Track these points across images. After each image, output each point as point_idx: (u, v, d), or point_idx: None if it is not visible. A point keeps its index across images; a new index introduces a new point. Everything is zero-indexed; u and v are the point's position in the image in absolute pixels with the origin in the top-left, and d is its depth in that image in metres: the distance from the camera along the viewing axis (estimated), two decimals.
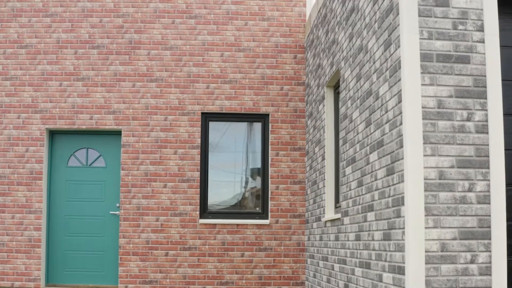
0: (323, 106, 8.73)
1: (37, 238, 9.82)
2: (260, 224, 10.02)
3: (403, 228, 5.17)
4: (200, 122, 10.16)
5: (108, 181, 10.20)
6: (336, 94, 8.53)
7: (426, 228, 5.01)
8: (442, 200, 5.05)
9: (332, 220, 7.94)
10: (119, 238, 9.93)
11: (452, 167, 5.09)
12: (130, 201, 9.97)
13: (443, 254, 5.01)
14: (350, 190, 7.01)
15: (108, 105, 10.13)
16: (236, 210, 10.16)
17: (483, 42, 5.22)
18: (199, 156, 10.09)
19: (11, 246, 9.81)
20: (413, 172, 5.03)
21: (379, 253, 5.87)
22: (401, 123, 5.28)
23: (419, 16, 5.20)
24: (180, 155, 10.08)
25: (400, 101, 5.31)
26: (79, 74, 10.17)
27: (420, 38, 5.18)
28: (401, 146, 5.26)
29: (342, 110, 7.48)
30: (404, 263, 5.15)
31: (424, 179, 5.05)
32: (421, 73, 5.15)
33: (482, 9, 5.25)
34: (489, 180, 5.10)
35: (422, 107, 5.12)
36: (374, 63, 6.12)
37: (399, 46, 5.37)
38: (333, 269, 7.88)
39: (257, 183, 10.27)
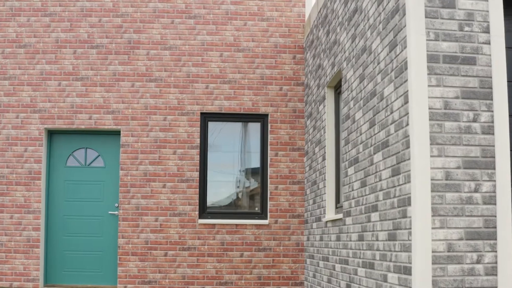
0: (324, 106, 8.75)
1: (36, 238, 9.79)
2: (259, 224, 10.03)
3: (410, 228, 5.19)
4: (199, 122, 10.15)
5: (106, 181, 10.18)
6: (337, 94, 8.55)
7: (433, 228, 5.03)
8: (448, 201, 5.08)
9: (333, 221, 7.96)
10: (118, 238, 9.91)
11: (458, 167, 5.12)
12: (129, 201, 9.96)
13: (450, 255, 5.03)
14: (352, 190, 7.03)
15: (107, 105, 10.12)
16: (235, 210, 10.17)
17: (489, 43, 5.25)
18: (198, 156, 10.08)
19: (10, 246, 9.78)
20: (420, 173, 5.05)
21: (383, 253, 5.89)
22: (407, 124, 5.30)
23: (426, 17, 5.23)
24: (179, 155, 10.07)
25: (406, 102, 5.33)
26: (78, 74, 10.15)
27: (426, 40, 5.20)
28: (407, 147, 5.28)
29: (344, 110, 7.50)
30: (410, 263, 5.17)
31: (431, 179, 5.08)
32: (428, 74, 5.17)
33: (487, 11, 5.28)
34: (495, 181, 5.13)
35: (429, 108, 5.14)
36: (378, 64, 6.14)
37: (405, 47, 5.39)
38: (334, 269, 7.90)
39: (256, 183, 10.27)
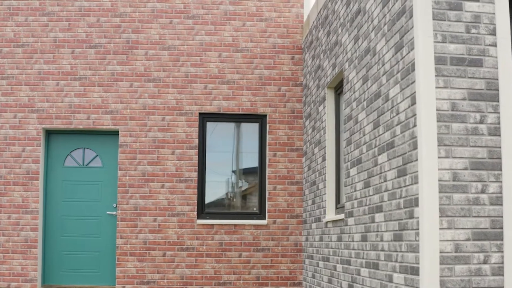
0: (324, 107, 8.78)
1: (34, 238, 9.75)
2: (258, 225, 10.04)
3: (417, 229, 5.23)
4: (197, 123, 10.15)
5: (104, 181, 10.15)
6: (337, 95, 8.58)
7: (440, 229, 5.07)
8: (456, 202, 5.11)
9: (334, 221, 7.99)
10: (116, 239, 9.89)
11: (465, 169, 5.16)
12: (127, 201, 9.94)
13: (457, 255, 5.07)
14: (355, 191, 7.06)
15: (105, 105, 10.09)
16: (233, 211, 10.18)
17: (495, 45, 5.30)
18: (197, 156, 10.08)
19: (7, 247, 9.73)
20: (428, 174, 5.08)
21: (389, 253, 5.92)
22: (414, 125, 5.34)
23: (433, 19, 5.26)
24: (177, 155, 10.07)
25: (413, 103, 5.36)
26: (76, 73, 10.12)
27: (434, 41, 5.24)
28: (414, 148, 5.31)
29: (346, 111, 7.52)
30: (417, 263, 5.21)
31: (439, 180, 5.11)
32: (436, 76, 5.21)
33: (494, 13, 5.32)
34: (501, 181, 5.17)
35: (437, 110, 5.18)
36: (383, 65, 6.17)
37: (412, 49, 5.42)
38: (335, 270, 7.92)
39: (254, 183, 10.29)
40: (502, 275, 5.09)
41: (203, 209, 10.12)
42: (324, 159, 8.71)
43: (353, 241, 7.15)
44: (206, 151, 10.23)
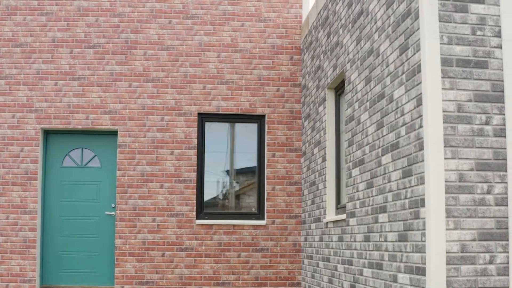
0: (324, 107, 8.81)
1: (32, 238, 9.73)
2: (257, 225, 10.06)
3: (423, 229, 5.26)
4: (196, 123, 10.16)
5: (103, 182, 10.14)
6: (337, 96, 8.61)
7: (446, 229, 5.10)
8: (462, 202, 5.15)
9: (335, 221, 8.02)
10: (115, 239, 9.87)
11: (471, 169, 5.20)
12: (126, 201, 9.93)
13: (463, 255, 5.11)
14: (357, 191, 7.09)
15: (104, 105, 10.08)
16: (232, 211, 10.19)
17: (501, 47, 5.34)
18: (196, 156, 10.09)
19: (6, 247, 9.70)
20: (434, 175, 5.12)
21: (393, 254, 5.95)
22: (420, 126, 5.37)
23: (440, 21, 5.30)
24: (176, 155, 10.07)
25: (419, 105, 5.40)
26: (74, 73, 10.10)
27: (440, 43, 5.28)
28: (420, 149, 5.35)
29: (348, 112, 7.56)
30: (423, 263, 5.24)
31: (445, 181, 5.15)
32: (442, 77, 5.25)
33: (499, 15, 5.36)
34: (506, 182, 5.22)
35: (443, 111, 5.21)
36: (387, 66, 6.21)
37: (417, 50, 5.46)
38: (336, 270, 7.95)
39: (253, 183, 10.31)
40: (508, 275, 5.13)
41: (202, 209, 10.12)
42: (324, 160, 8.74)
43: (355, 241, 7.18)
44: (205, 151, 10.24)
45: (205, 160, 10.24)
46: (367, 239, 6.74)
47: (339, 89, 8.52)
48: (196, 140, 10.13)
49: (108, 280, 10.04)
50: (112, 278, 10.03)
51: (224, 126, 10.35)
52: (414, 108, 5.50)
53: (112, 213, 10.05)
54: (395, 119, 5.96)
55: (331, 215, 8.56)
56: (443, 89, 5.24)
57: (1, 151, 9.87)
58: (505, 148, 5.25)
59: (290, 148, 10.27)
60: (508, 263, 5.14)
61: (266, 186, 10.17)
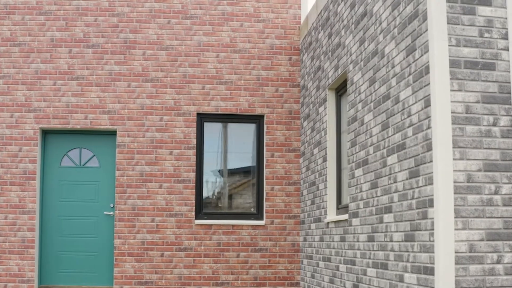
0: (324, 108, 8.85)
1: (31, 239, 9.69)
2: (255, 225, 10.08)
3: (431, 229, 5.31)
4: (195, 123, 10.16)
5: (101, 182, 10.12)
6: (338, 96, 8.65)
7: (455, 229, 5.15)
8: (470, 203, 5.20)
9: (337, 221, 8.06)
10: (114, 239, 9.86)
11: (479, 170, 5.25)
12: (125, 201, 9.92)
13: (471, 255, 5.16)
14: (360, 191, 7.14)
15: (103, 105, 10.06)
16: (231, 211, 10.21)
17: (507, 49, 5.40)
18: (195, 156, 10.10)
19: (4, 247, 9.66)
20: (443, 175, 5.16)
21: (399, 253, 5.99)
22: (428, 127, 5.41)
23: (448, 23, 5.35)
24: (175, 155, 10.07)
25: (427, 106, 5.44)
26: (73, 73, 10.07)
27: (448, 45, 5.32)
28: (428, 150, 5.39)
29: (350, 112, 7.60)
30: (432, 263, 5.28)
31: (453, 182, 5.20)
32: (450, 79, 5.29)
33: (506, 18, 5.42)
34: None
35: (451, 112, 5.26)
36: (393, 67, 6.25)
37: (425, 52, 5.50)
38: (337, 270, 7.99)
39: (252, 183, 10.33)
40: None
41: (201, 210, 10.13)
42: (324, 160, 8.78)
43: (358, 241, 7.22)
44: (204, 152, 10.24)
45: (206, 160, 10.25)
46: (371, 239, 6.78)
47: (340, 89, 8.56)
48: (195, 140, 10.13)
49: (107, 280, 10.02)
50: (111, 278, 10.01)
51: (223, 126, 10.36)
52: (422, 109, 5.55)
53: (111, 213, 10.04)
54: (402, 120, 6.00)
55: (332, 215, 8.60)
56: (451, 90, 5.29)
57: None
58: None
59: (289, 149, 10.30)
60: None
61: (265, 186, 10.19)
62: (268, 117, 10.32)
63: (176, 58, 10.24)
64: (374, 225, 6.68)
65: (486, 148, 5.29)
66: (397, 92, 6.14)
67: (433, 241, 5.27)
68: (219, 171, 10.27)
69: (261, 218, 10.19)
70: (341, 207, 8.37)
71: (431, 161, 5.35)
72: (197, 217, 10.09)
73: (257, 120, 10.37)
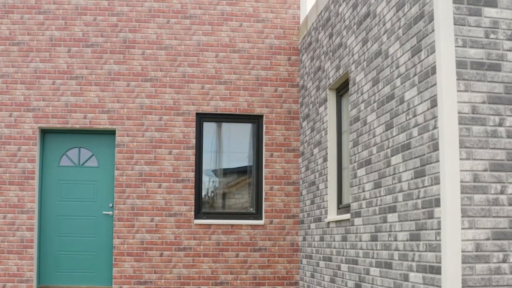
0: (325, 108, 8.88)
1: (29, 238, 9.66)
2: (255, 225, 10.10)
3: (437, 229, 5.35)
4: (194, 123, 10.17)
5: (100, 181, 10.11)
6: (339, 96, 8.68)
7: (462, 229, 5.19)
8: (476, 202, 5.25)
9: (338, 221, 8.09)
10: (113, 239, 9.85)
11: (485, 170, 5.29)
12: (124, 201, 9.91)
13: (478, 254, 5.20)
14: (363, 191, 7.17)
15: (102, 104, 10.05)
16: (230, 211, 10.22)
17: None
18: (194, 156, 10.10)
19: (3, 247, 9.62)
20: (450, 175, 5.20)
21: (404, 253, 6.03)
22: (434, 128, 5.45)
23: (454, 24, 5.39)
24: (175, 155, 10.07)
25: (433, 106, 5.48)
26: (72, 72, 10.05)
27: (455, 46, 5.36)
28: (434, 150, 5.43)
29: (352, 112, 7.63)
30: (438, 262, 5.32)
31: (460, 182, 5.24)
32: (457, 79, 5.33)
33: (511, 19, 5.47)
34: None
35: (458, 113, 5.30)
36: (397, 68, 6.29)
37: (431, 53, 5.54)
38: (339, 269, 8.02)
39: (251, 183, 10.35)
40: None
41: (200, 209, 10.14)
42: (325, 160, 8.81)
43: (360, 241, 7.25)
44: (203, 151, 10.25)
45: (205, 160, 10.25)
46: (374, 238, 6.81)
47: (341, 89, 8.59)
48: (194, 140, 10.14)
49: (106, 280, 10.01)
50: (110, 278, 10.00)
51: (222, 126, 10.37)
52: (428, 109, 5.59)
53: (110, 212, 10.02)
54: (407, 120, 6.04)
55: (332, 214, 8.63)
56: (458, 91, 5.33)
57: None
58: None
59: (287, 148, 10.33)
60: None
61: (264, 186, 10.21)
62: (267, 117, 10.34)
63: (175, 57, 10.24)
64: (378, 225, 6.72)
65: (492, 148, 5.33)
66: (401, 92, 6.18)
67: (440, 240, 5.31)
68: (213, 170, 10.27)
69: (260, 218, 10.22)
70: (341, 207, 8.40)
71: (437, 161, 5.39)
72: (196, 217, 10.09)
73: (256, 120, 10.39)
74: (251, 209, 10.28)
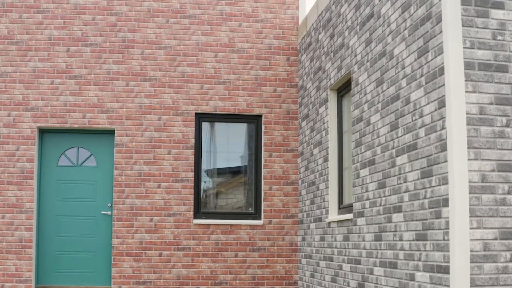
0: (326, 108, 8.91)
1: (28, 238, 9.62)
2: (254, 225, 10.12)
3: (445, 228, 5.39)
4: (194, 123, 10.17)
5: (99, 181, 10.08)
6: (340, 97, 8.72)
7: (470, 228, 5.24)
8: (484, 202, 5.29)
9: (340, 221, 8.12)
10: (112, 239, 9.83)
11: (493, 170, 5.34)
12: (123, 201, 9.89)
13: (486, 254, 5.25)
14: (366, 191, 7.20)
15: (101, 104, 10.02)
16: (229, 211, 10.23)
17: None
18: (193, 156, 10.10)
19: (1, 247, 9.58)
20: (458, 176, 5.25)
21: (409, 253, 6.07)
22: (442, 128, 5.49)
23: (462, 26, 5.43)
24: (174, 155, 10.07)
25: (441, 107, 5.52)
26: (71, 72, 10.02)
27: (463, 47, 5.41)
28: (442, 150, 5.47)
29: (355, 113, 7.66)
30: (446, 262, 5.36)
31: (468, 182, 5.28)
32: (465, 80, 5.38)
33: None
34: None
35: (466, 113, 5.34)
36: (403, 69, 6.32)
37: (439, 54, 5.58)
38: (341, 269, 8.06)
39: (250, 183, 10.36)
40: None
41: (199, 209, 10.14)
42: (325, 160, 8.84)
43: (363, 240, 7.28)
44: (202, 151, 10.25)
45: (202, 160, 10.26)
46: (378, 238, 6.85)
47: (342, 90, 8.62)
48: (194, 140, 10.14)
49: (105, 280, 9.99)
50: (109, 278, 9.98)
51: (222, 126, 10.38)
52: (435, 110, 5.63)
53: (109, 212, 10.00)
54: (413, 121, 6.07)
55: (333, 215, 8.66)
56: (466, 92, 5.37)
57: None
58: None
59: (286, 148, 10.35)
60: None
61: (263, 186, 10.23)
62: (266, 117, 10.36)
63: (174, 57, 10.24)
64: (382, 225, 6.75)
65: (499, 149, 5.38)
66: (407, 93, 6.22)
67: (448, 240, 5.35)
68: (211, 170, 10.28)
69: (259, 218, 10.23)
70: (343, 207, 8.43)
71: (445, 161, 5.43)
72: (195, 217, 10.09)
73: (255, 120, 10.40)
74: (250, 209, 10.30)
